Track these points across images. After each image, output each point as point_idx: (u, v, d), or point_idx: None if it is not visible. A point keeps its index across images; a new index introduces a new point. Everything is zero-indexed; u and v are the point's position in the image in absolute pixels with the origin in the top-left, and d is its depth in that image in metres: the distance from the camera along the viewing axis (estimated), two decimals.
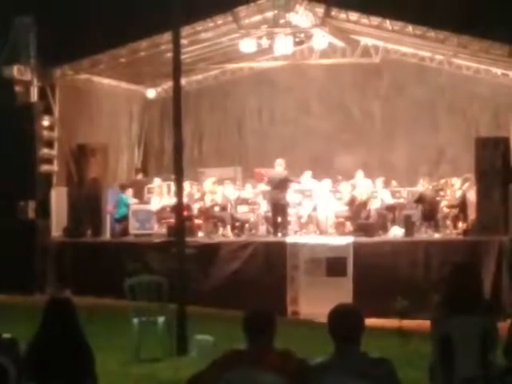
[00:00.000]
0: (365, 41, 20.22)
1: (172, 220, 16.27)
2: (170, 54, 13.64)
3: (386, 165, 20.65)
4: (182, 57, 13.15)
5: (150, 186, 20.61)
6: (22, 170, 18.25)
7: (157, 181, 20.25)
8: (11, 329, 6.22)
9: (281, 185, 17.56)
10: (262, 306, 5.17)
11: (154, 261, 17.00)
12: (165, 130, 22.35)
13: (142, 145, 23.12)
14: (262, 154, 21.02)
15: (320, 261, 16.20)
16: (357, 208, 17.80)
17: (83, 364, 5.76)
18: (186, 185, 17.36)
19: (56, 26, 20.71)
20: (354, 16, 18.73)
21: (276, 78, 21.81)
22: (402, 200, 18.82)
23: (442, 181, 19.15)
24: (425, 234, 17.42)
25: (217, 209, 18.45)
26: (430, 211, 17.75)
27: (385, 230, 17.67)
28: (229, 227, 18.19)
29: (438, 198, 18.26)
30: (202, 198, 18.75)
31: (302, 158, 20.58)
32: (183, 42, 14.60)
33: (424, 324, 7.20)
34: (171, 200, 17.57)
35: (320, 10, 18.63)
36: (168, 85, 20.89)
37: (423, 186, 18.23)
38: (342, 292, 15.21)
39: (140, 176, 22.02)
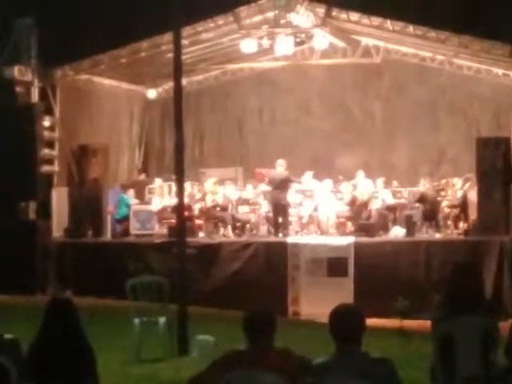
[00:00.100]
0: (366, 41, 20.23)
1: (173, 220, 16.23)
2: (170, 55, 13.63)
3: (387, 165, 20.65)
4: (183, 57, 13.14)
5: (150, 186, 20.62)
6: (22, 170, 18.25)
7: (158, 181, 20.27)
8: (12, 329, 6.23)
9: (282, 185, 17.56)
10: (263, 306, 5.18)
11: (154, 261, 17.00)
12: (166, 131, 22.37)
13: (143, 145, 23.13)
14: (263, 155, 21.03)
15: (321, 261, 16.20)
16: (358, 208, 17.79)
17: (84, 364, 5.76)
18: (187, 185, 17.36)
19: (57, 27, 20.72)
20: (354, 16, 18.73)
21: (277, 79, 21.81)
22: (402, 200, 18.82)
23: (443, 181, 19.15)
24: (426, 234, 17.40)
25: (218, 209, 18.45)
26: (431, 211, 17.74)
27: (386, 230, 17.66)
28: (230, 227, 18.19)
29: (439, 198, 18.26)
30: (202, 199, 18.76)
31: (302, 158, 20.58)
32: (184, 42, 14.60)
33: (425, 324, 7.21)
34: (172, 200, 17.57)
35: (321, 10, 18.63)
36: (169, 85, 20.90)
37: (424, 186, 18.23)
38: (342, 292, 15.21)
39: (142, 176, 22.05)
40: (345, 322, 4.82)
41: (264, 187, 18.73)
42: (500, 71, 19.99)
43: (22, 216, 18.74)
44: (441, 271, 14.88)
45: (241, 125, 22.72)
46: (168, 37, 16.53)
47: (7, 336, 5.80)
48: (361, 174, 18.76)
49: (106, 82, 21.19)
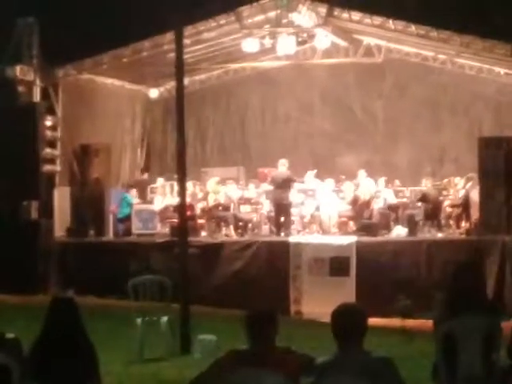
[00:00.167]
0: (367, 40, 20.22)
1: (175, 220, 16.27)
2: (172, 54, 13.64)
3: (389, 164, 20.64)
4: (185, 57, 13.15)
5: (153, 185, 20.64)
6: (24, 170, 18.23)
7: (160, 181, 20.28)
8: (14, 329, 6.23)
9: (284, 184, 17.56)
10: (264, 306, 5.19)
11: (157, 261, 16.99)
12: (167, 130, 22.38)
13: (145, 145, 23.13)
14: (265, 154, 21.02)
15: (323, 260, 16.19)
16: (360, 207, 17.78)
17: (87, 364, 5.76)
18: (189, 185, 17.38)
19: (59, 26, 20.73)
20: (356, 16, 18.73)
21: (279, 78, 21.80)
22: (405, 199, 18.84)
23: (445, 180, 19.15)
24: (428, 234, 17.39)
25: (220, 208, 18.46)
26: (433, 211, 17.74)
27: (388, 229, 17.65)
28: (232, 227, 18.19)
29: (441, 198, 18.26)
30: (205, 198, 18.76)
31: (304, 157, 20.60)
32: (186, 41, 14.60)
33: (427, 323, 7.20)
34: (174, 200, 17.57)
35: (323, 9, 18.63)
36: (171, 85, 20.89)
37: (426, 186, 18.23)
38: (345, 292, 15.20)
39: (146, 176, 22.07)
40: (347, 322, 4.82)
41: (266, 187, 18.73)
42: (502, 70, 19.99)
43: (24, 215, 18.75)
44: (443, 271, 14.86)
45: (243, 124, 22.73)
46: (170, 36, 16.55)
47: (9, 335, 5.80)
48: (362, 173, 18.77)
49: (108, 81, 21.20)
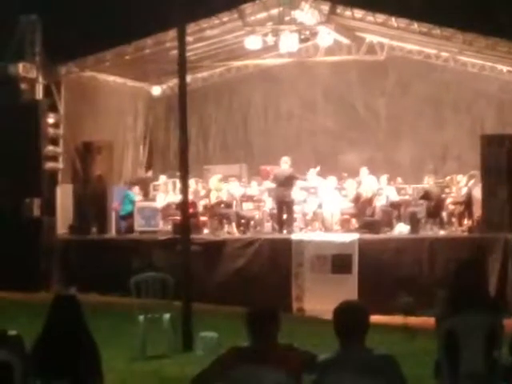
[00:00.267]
0: (370, 38, 20.19)
1: (177, 217, 16.29)
2: (175, 52, 13.64)
3: (392, 162, 20.62)
4: (187, 54, 13.16)
5: (155, 183, 20.65)
6: (27, 167, 18.26)
7: (162, 178, 20.29)
8: (16, 325, 6.24)
9: (286, 182, 17.57)
10: (266, 303, 5.19)
11: (159, 258, 17.00)
12: (170, 128, 22.37)
13: (147, 142, 23.12)
14: (268, 152, 21.01)
15: (325, 258, 16.20)
16: (362, 205, 17.78)
17: (89, 361, 5.77)
18: (192, 182, 17.37)
19: (61, 24, 20.74)
20: (359, 13, 18.72)
21: (281, 76, 21.78)
22: (407, 197, 18.81)
23: (448, 178, 19.13)
24: (430, 231, 17.38)
25: (222, 206, 18.46)
26: (435, 208, 17.73)
27: (390, 226, 17.65)
28: (234, 224, 18.20)
29: (443, 195, 18.24)
30: (207, 195, 18.76)
31: (307, 155, 20.59)
32: (188, 39, 14.59)
33: (429, 321, 7.20)
34: (176, 197, 17.59)
35: (325, 7, 18.62)
36: (173, 82, 20.88)
37: (428, 183, 18.22)
38: (347, 289, 15.20)
39: (150, 173, 22.08)
40: (349, 319, 4.82)
41: (268, 184, 18.72)
42: (505, 68, 19.96)
43: (26, 213, 18.77)
44: (445, 268, 14.86)
45: (245, 122, 22.71)
46: (172, 34, 16.52)
47: (11, 332, 5.81)
48: (364, 170, 18.75)
49: (111, 78, 21.20)
